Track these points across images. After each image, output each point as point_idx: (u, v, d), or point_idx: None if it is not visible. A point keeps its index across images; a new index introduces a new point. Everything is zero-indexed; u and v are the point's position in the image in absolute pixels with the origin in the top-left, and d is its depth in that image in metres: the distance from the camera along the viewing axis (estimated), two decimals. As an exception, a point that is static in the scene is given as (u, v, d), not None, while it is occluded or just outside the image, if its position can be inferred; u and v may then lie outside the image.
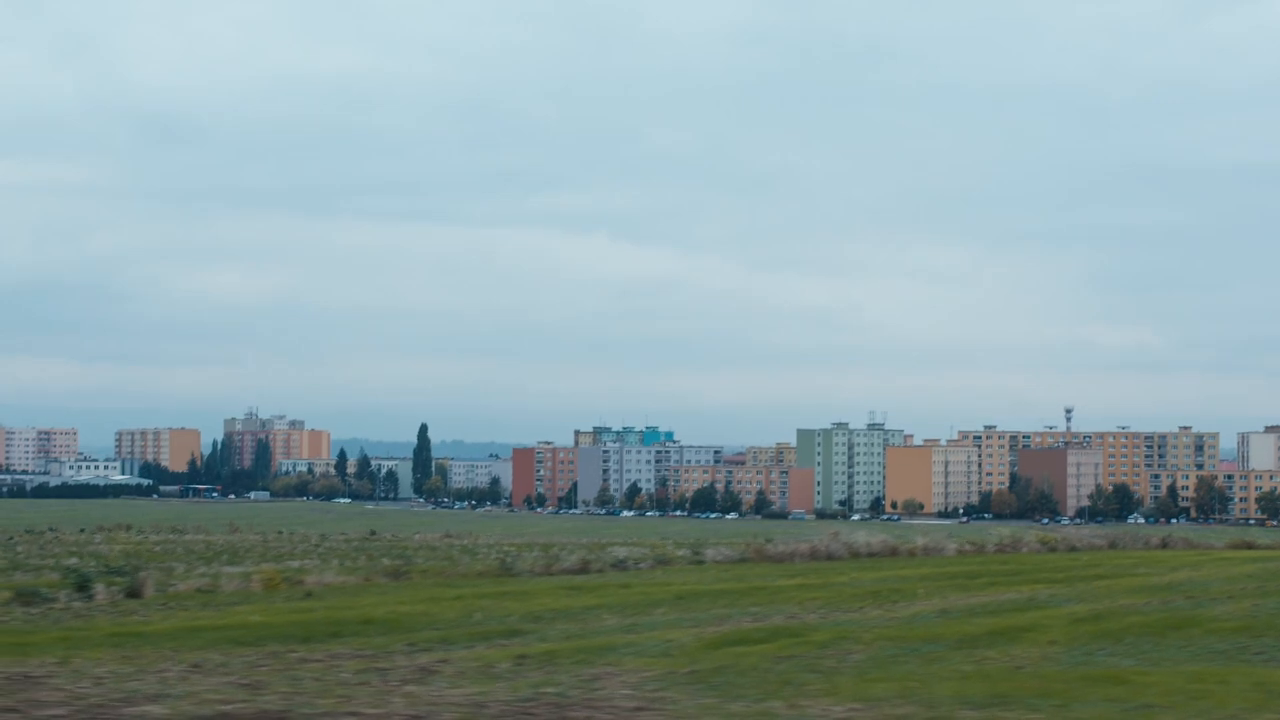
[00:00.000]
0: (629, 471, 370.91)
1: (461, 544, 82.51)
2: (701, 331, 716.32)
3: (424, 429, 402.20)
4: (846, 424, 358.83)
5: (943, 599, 32.89)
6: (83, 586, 33.72)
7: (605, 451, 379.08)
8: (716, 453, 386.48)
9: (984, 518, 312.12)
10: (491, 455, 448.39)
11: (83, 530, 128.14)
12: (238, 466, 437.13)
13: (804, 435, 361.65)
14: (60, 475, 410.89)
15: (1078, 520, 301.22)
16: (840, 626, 26.11)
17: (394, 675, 19.19)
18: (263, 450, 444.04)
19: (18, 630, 26.36)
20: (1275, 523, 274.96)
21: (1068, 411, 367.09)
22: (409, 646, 23.26)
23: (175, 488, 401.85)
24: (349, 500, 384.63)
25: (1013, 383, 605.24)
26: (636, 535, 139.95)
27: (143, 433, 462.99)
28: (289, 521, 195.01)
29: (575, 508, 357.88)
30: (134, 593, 33.76)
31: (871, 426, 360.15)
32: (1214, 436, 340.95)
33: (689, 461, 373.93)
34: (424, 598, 32.84)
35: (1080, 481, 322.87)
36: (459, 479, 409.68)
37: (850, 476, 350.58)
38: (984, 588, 35.99)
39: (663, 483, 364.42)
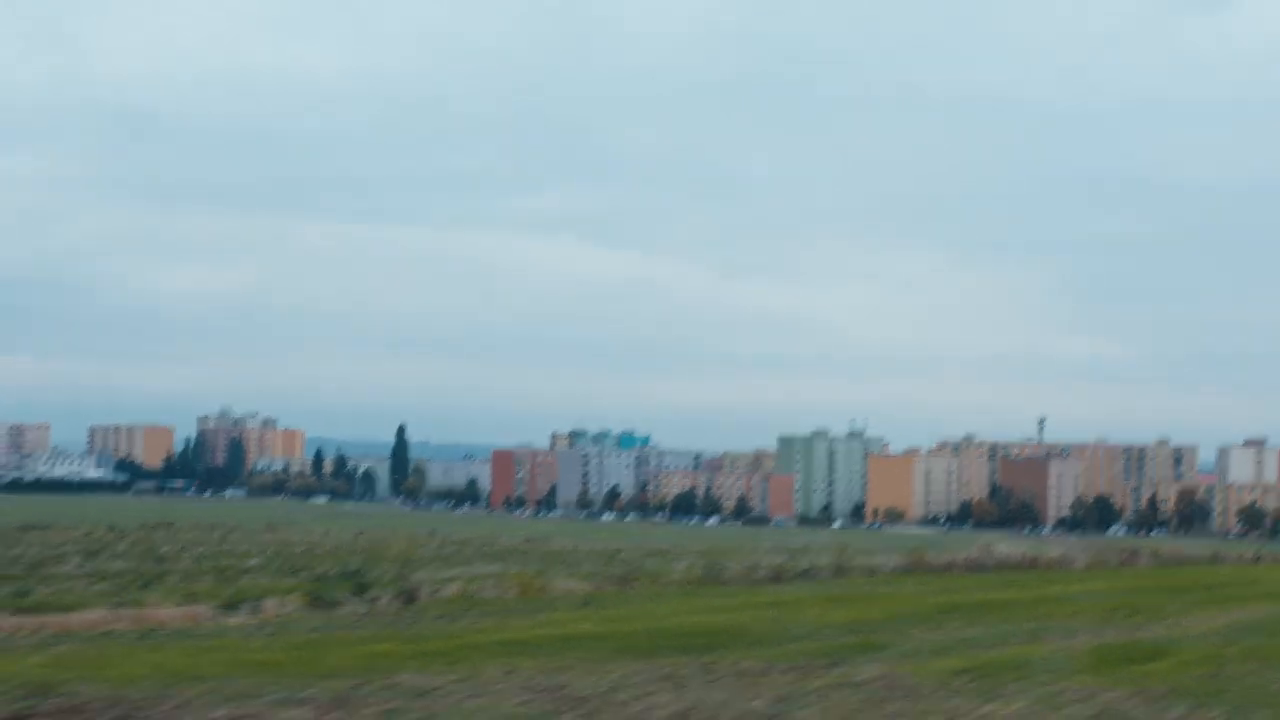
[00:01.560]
0: (609, 475, 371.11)
1: (588, 549, 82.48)
2: (671, 335, 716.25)
3: (402, 429, 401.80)
4: (827, 431, 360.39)
5: (1205, 613, 33.59)
6: (361, 591, 34.00)
7: (585, 455, 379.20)
8: (696, 457, 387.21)
9: (964, 526, 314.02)
10: (466, 456, 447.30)
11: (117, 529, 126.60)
12: (211, 464, 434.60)
13: (784, 442, 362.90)
14: (34, 471, 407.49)
15: (1058, 531, 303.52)
16: (1187, 642, 26.65)
17: (882, 695, 18.96)
18: (236, 448, 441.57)
19: (389, 636, 26.35)
20: (1256, 535, 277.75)
21: (1040, 421, 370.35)
22: (805, 660, 23.37)
23: (151, 484, 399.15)
24: (327, 499, 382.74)
25: (980, 391, 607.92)
26: (650, 540, 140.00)
27: (116, 429, 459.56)
28: (297, 520, 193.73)
29: (555, 510, 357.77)
30: (411, 598, 34.02)
31: (851, 434, 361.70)
32: (1192, 449, 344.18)
33: (669, 466, 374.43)
34: (704, 608, 33.16)
35: (1061, 492, 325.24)
36: (436, 479, 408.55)
37: (830, 483, 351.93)
38: (1230, 602, 36.69)
39: (643, 486, 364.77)
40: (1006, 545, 53.69)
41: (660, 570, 45.17)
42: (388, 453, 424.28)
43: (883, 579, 46.72)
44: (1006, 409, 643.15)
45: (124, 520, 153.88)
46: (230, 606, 31.09)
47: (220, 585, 40.75)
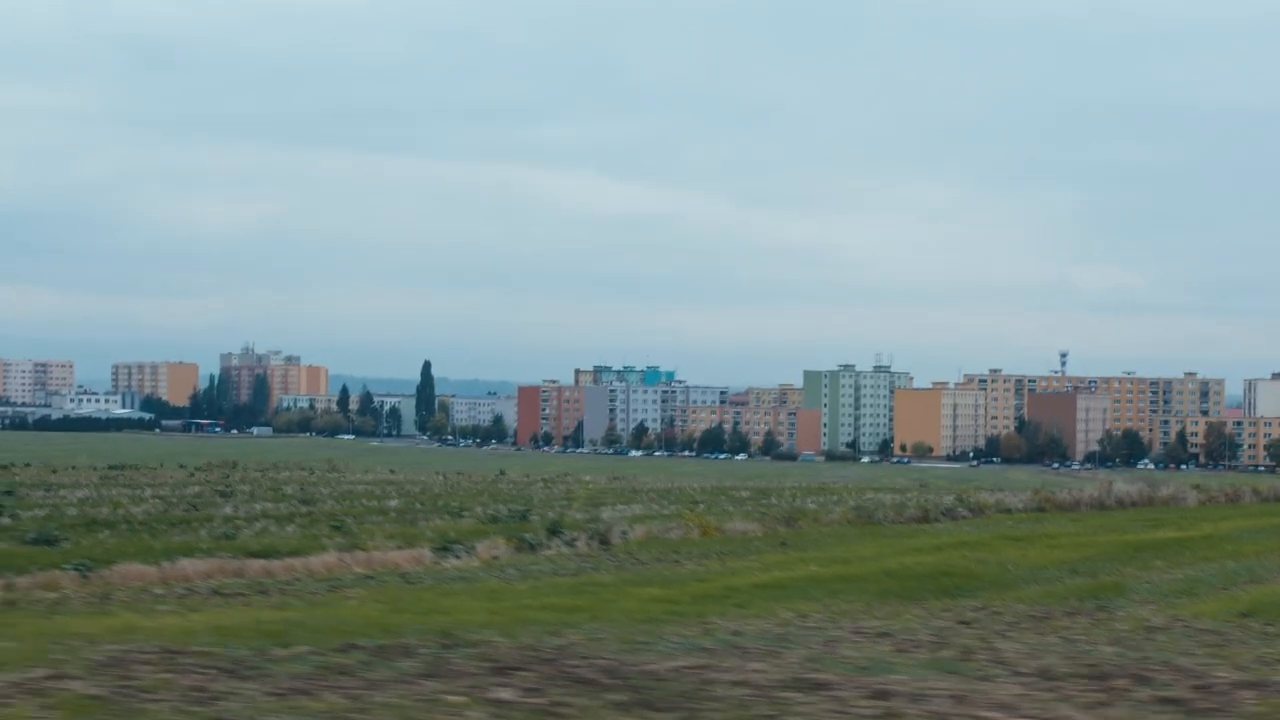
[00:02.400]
0: (635, 411, 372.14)
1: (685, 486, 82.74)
2: (692, 268, 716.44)
3: (427, 366, 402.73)
4: (853, 366, 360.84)
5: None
6: (555, 532, 34.66)
7: (612, 390, 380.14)
8: (722, 393, 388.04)
9: (993, 462, 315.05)
10: (490, 393, 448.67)
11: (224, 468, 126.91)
12: (236, 401, 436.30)
13: (811, 377, 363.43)
14: (61, 408, 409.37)
15: (1088, 465, 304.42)
16: None
17: (1217, 640, 18.66)
18: (260, 385, 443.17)
19: (639, 579, 26.92)
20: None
21: (1062, 355, 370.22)
22: (1062, 602, 23.78)
23: (177, 422, 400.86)
24: (353, 437, 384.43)
25: (1003, 324, 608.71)
26: (690, 477, 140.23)
27: (140, 366, 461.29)
28: (353, 459, 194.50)
29: (582, 447, 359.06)
30: (604, 540, 34.66)
31: (878, 369, 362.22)
32: (1219, 383, 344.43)
33: (695, 402, 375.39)
34: (904, 549, 33.73)
35: (1089, 426, 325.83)
36: (461, 417, 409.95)
37: (856, 419, 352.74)
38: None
39: (670, 423, 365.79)
40: (1121, 483, 54.11)
41: (817, 511, 45.82)
42: (409, 390, 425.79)
43: (1024, 517, 47.32)
44: (1028, 342, 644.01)
45: (176, 459, 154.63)
46: (443, 550, 31.64)
47: (404, 527, 41.35)
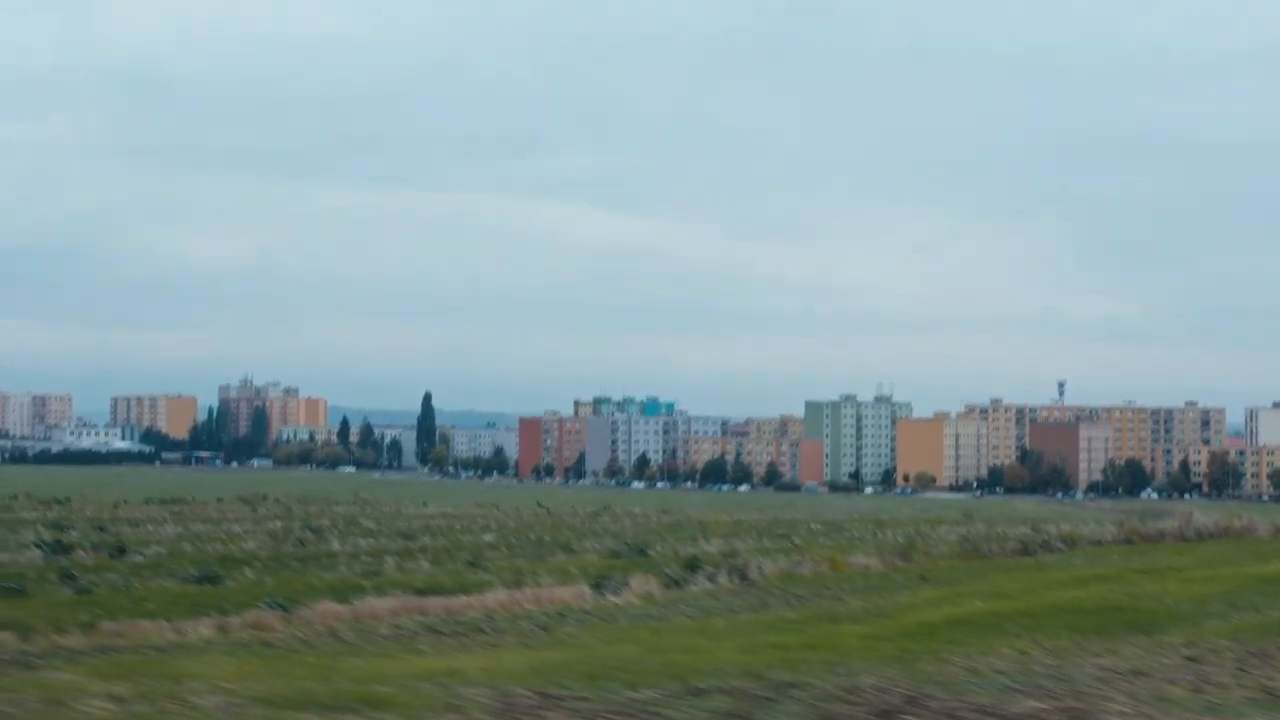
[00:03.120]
0: (637, 442, 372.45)
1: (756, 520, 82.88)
2: (686, 300, 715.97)
3: (428, 397, 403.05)
4: (854, 396, 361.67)
5: None
6: (694, 568, 35.15)
7: (614, 422, 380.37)
8: (724, 424, 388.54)
9: (996, 492, 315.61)
10: (489, 424, 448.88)
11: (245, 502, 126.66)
12: (234, 434, 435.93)
13: (812, 407, 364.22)
14: (61, 441, 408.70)
15: (1091, 495, 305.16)
16: None
17: None
18: (260, 417, 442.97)
19: (819, 617, 27.31)
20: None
21: (1060, 384, 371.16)
22: (1255, 636, 24.30)
23: (177, 455, 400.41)
24: (354, 469, 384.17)
25: (998, 354, 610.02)
26: (698, 508, 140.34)
27: (138, 398, 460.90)
28: (359, 490, 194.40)
29: (584, 478, 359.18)
30: (744, 576, 35.13)
31: (879, 399, 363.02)
32: (1220, 412, 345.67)
33: (697, 432, 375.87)
34: (1049, 582, 34.16)
35: (1091, 456, 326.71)
36: (461, 448, 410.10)
37: (858, 449, 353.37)
38: None
39: (672, 454, 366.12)
40: (1200, 514, 54.71)
41: (926, 544, 46.40)
42: (408, 421, 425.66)
43: (1120, 549, 47.83)
44: (1024, 372, 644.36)
45: (197, 492, 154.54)
46: (597, 586, 32.08)
47: (533, 563, 41.71)
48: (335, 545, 49.24)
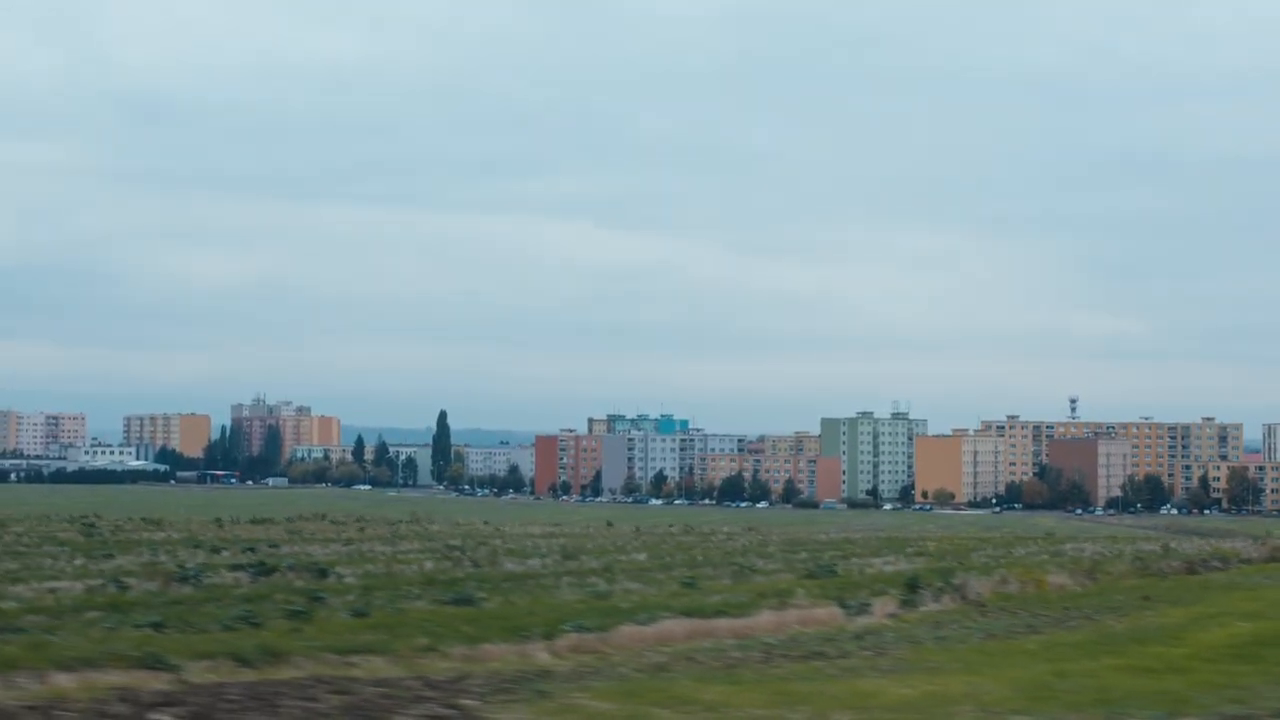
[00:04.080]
0: (654, 460, 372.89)
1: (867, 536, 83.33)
2: (694, 317, 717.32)
3: (443, 415, 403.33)
4: (871, 413, 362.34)
5: None
6: (914, 588, 35.81)
7: (630, 439, 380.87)
8: (740, 441, 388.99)
9: (1014, 508, 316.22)
10: (502, 442, 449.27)
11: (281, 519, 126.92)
12: (248, 452, 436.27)
13: (829, 424, 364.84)
14: (76, 461, 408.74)
15: (1111, 511, 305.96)
16: None
17: None
18: (273, 436, 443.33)
19: (1132, 638, 27.88)
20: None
21: (1073, 401, 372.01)
22: None
23: (192, 474, 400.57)
24: (369, 487, 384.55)
25: (1006, 370, 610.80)
26: (720, 523, 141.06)
27: (152, 418, 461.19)
28: (375, 509, 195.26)
29: (600, 495, 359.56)
30: (964, 596, 35.73)
31: (895, 415, 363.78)
32: (1238, 427, 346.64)
33: (713, 450, 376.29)
34: (1268, 601, 34.81)
35: (1110, 472, 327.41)
36: (475, 466, 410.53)
37: (876, 466, 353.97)
38: None
39: (689, 471, 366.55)
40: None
41: (1098, 564, 47.15)
42: (419, 440, 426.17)
43: (1268, 567, 48.60)
44: (1035, 390, 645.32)
45: (246, 512, 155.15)
46: (843, 606, 32.65)
47: (738, 583, 42.23)
48: (509, 566, 49.67)
